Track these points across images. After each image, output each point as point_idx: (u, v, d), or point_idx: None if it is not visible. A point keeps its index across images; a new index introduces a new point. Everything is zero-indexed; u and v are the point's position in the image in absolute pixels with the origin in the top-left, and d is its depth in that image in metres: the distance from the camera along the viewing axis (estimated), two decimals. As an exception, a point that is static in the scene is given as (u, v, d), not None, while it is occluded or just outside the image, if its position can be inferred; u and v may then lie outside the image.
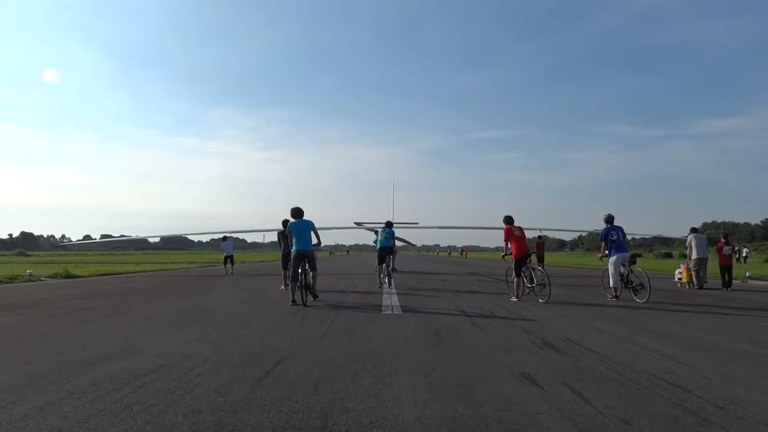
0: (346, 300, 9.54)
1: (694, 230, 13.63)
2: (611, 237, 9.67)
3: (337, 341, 5.22)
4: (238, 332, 5.75)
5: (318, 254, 9.47)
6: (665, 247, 69.13)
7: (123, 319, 7.06)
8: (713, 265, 13.95)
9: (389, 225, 13.68)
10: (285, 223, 10.96)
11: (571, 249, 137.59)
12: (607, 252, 9.74)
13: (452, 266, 29.59)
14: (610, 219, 9.89)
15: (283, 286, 11.40)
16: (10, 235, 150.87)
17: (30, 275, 16.20)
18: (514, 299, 9.31)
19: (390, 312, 7.66)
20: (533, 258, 12.18)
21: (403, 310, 7.83)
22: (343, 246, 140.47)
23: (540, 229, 29.54)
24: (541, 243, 20.45)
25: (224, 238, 21.20)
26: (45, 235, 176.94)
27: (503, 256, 10.09)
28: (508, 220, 9.86)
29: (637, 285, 9.31)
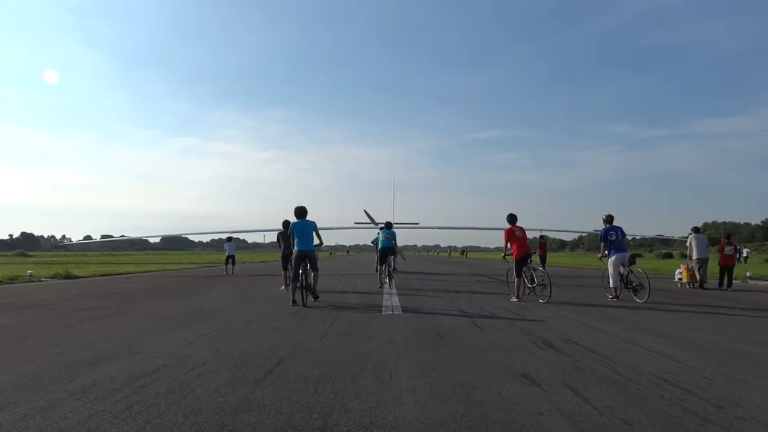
0: (346, 300, 9.54)
1: (695, 230, 13.61)
2: (610, 237, 9.69)
3: (338, 341, 5.22)
4: (239, 332, 5.75)
5: (319, 254, 9.47)
6: (665, 247, 69.07)
7: (123, 319, 7.06)
8: (713, 265, 13.94)
9: (389, 226, 13.69)
10: (285, 223, 10.99)
11: (572, 249, 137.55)
12: (606, 252, 9.75)
13: (453, 266, 29.60)
14: (609, 219, 9.92)
15: (283, 287, 11.41)
16: (11, 235, 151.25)
17: (30, 276, 16.19)
18: (514, 300, 9.31)
19: (390, 312, 7.66)
20: (535, 258, 12.18)
21: (403, 311, 7.83)
22: (343, 246, 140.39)
23: (541, 230, 29.67)
24: (543, 243, 20.46)
25: (229, 239, 21.40)
26: (45, 236, 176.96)
27: (504, 257, 10.10)
28: (512, 218, 9.85)
29: (636, 285, 9.31)
